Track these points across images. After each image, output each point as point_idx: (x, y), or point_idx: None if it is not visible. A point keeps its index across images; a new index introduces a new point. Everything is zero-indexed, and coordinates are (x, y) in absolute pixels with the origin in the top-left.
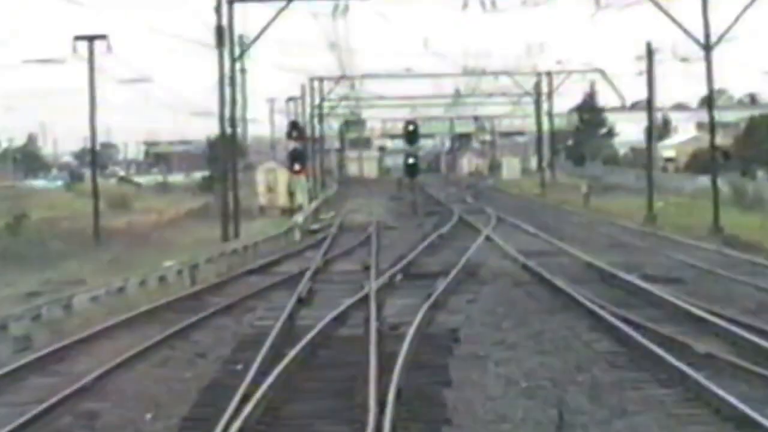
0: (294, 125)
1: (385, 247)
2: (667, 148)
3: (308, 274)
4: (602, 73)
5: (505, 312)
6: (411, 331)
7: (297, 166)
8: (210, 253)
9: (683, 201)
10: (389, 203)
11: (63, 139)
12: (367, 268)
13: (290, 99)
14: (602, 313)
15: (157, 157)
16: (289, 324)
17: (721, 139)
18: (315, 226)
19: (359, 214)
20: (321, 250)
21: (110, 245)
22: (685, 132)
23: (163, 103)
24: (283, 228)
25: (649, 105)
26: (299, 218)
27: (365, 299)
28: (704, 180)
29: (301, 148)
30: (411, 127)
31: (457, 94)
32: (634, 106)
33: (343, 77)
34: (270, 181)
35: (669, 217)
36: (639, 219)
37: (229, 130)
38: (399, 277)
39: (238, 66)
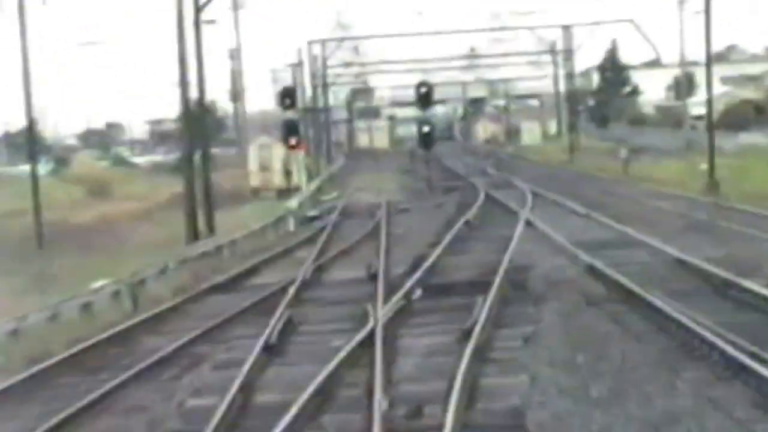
0: (287, 92)
1: (398, 239)
2: (696, 105)
3: (292, 290)
4: (633, 23)
5: (591, 365)
6: (447, 422)
7: (292, 140)
8: (169, 259)
9: (728, 162)
10: (401, 178)
11: (65, 122)
12: (373, 277)
13: (291, 65)
14: None
15: (162, 136)
16: (240, 401)
17: (752, 93)
18: (313, 213)
19: (367, 193)
20: (316, 248)
21: (56, 249)
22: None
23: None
24: (275, 215)
25: (708, 50)
26: (293, 203)
27: (369, 340)
28: (745, 137)
29: (296, 119)
30: (424, 89)
31: (472, 53)
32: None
33: (344, 38)
34: (263, 159)
35: (727, 183)
36: (694, 187)
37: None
38: (418, 292)
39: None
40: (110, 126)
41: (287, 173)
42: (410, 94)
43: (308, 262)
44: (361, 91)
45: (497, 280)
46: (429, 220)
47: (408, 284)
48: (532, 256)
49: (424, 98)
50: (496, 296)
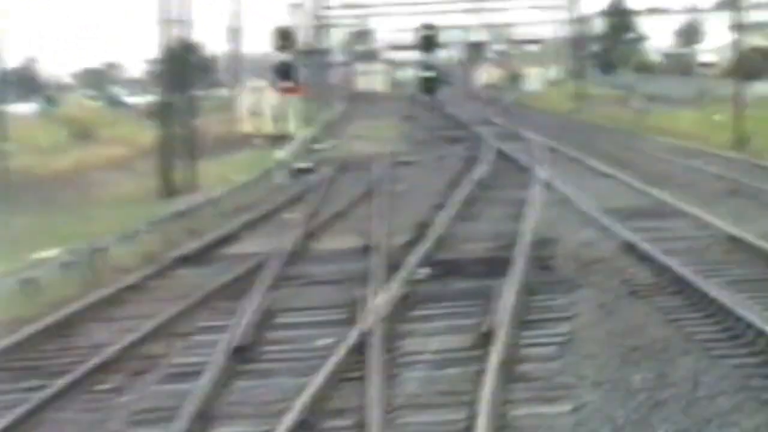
0: (282, 32)
1: (399, 199)
2: (705, 53)
3: (274, 265)
4: None
5: (652, 390)
6: None
7: (286, 84)
8: (140, 219)
9: (747, 112)
10: (402, 125)
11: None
12: (369, 249)
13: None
14: None
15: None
16: None
17: (762, 40)
18: (304, 165)
19: (365, 142)
20: (307, 208)
21: (18, 204)
22: (718, 35)
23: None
24: (264, 167)
25: None
26: (283, 153)
27: (361, 343)
28: (760, 87)
29: (291, 60)
30: (428, 32)
31: None
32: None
33: None
34: (255, 103)
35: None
36: (719, 141)
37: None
38: (424, 271)
39: None
40: (109, 65)
41: (281, 118)
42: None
43: (296, 226)
44: (361, 34)
45: (517, 259)
46: (433, 176)
47: (412, 260)
48: (555, 226)
49: (428, 41)
50: (518, 280)
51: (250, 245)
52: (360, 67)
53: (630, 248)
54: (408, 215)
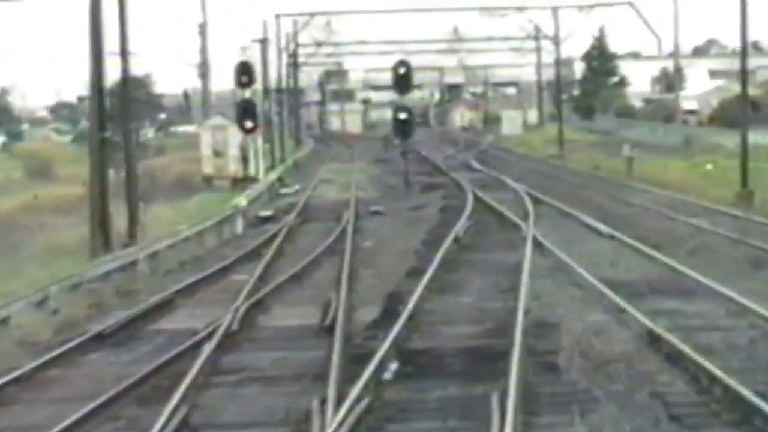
0: (243, 68)
1: (367, 258)
2: (687, 99)
3: (204, 352)
4: (632, 6)
5: None
6: None
7: (248, 123)
8: (67, 278)
9: (734, 163)
10: (374, 168)
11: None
12: (328, 328)
13: (257, 42)
14: None
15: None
16: None
17: (750, 89)
18: (265, 213)
19: (334, 187)
20: (260, 265)
21: None
22: (697, 81)
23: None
24: (222, 212)
25: (743, 33)
26: (242, 200)
27: None
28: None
29: (253, 99)
30: (402, 70)
31: (455, 35)
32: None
33: (315, 13)
34: (218, 143)
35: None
36: (719, 194)
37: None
38: (392, 368)
39: None
40: (81, 99)
41: (244, 160)
42: (386, 78)
43: (243, 292)
44: (335, 73)
45: (511, 352)
46: (407, 230)
47: (378, 347)
48: (554, 304)
49: (402, 80)
50: (514, 388)
51: (183, 318)
52: (334, 106)
53: (654, 341)
54: (377, 281)
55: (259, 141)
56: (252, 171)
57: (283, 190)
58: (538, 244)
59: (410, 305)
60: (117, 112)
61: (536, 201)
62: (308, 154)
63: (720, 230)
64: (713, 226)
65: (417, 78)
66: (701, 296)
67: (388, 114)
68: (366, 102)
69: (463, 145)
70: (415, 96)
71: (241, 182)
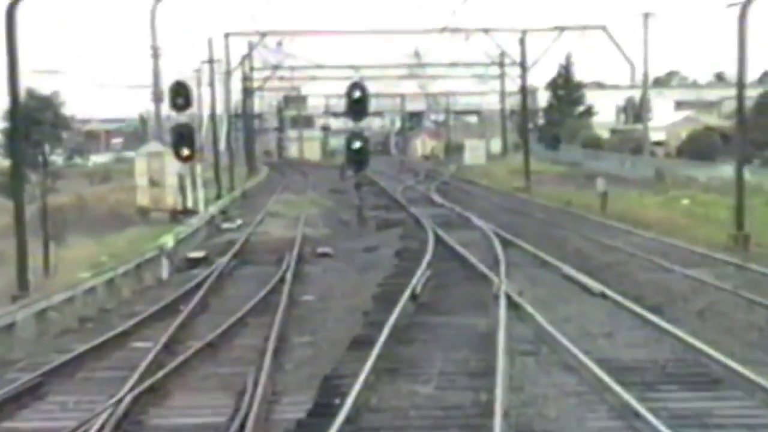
0: (178, 89)
1: (303, 317)
2: (655, 130)
3: None
4: (605, 30)
5: None
6: None
7: (185, 151)
8: None
9: (714, 198)
10: (328, 200)
11: None
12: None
13: (205, 62)
14: None
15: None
16: None
17: (717, 120)
18: (196, 254)
19: (281, 222)
20: (169, 329)
21: None
22: (662, 112)
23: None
24: (148, 253)
25: (741, 62)
26: (169, 240)
27: None
28: (726, 169)
29: (190, 123)
30: (357, 93)
31: (417, 57)
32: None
33: (267, 33)
34: (155, 172)
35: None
36: (704, 234)
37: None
38: None
39: None
40: None
41: (182, 190)
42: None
43: (140, 368)
44: (293, 99)
45: None
46: (356, 280)
47: None
48: (542, 400)
49: (357, 105)
50: None
51: (46, 413)
52: (293, 133)
53: None
54: (312, 355)
55: (199, 169)
56: (191, 203)
57: (225, 225)
58: (513, 304)
59: (350, 397)
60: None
61: (506, 243)
62: (261, 182)
63: (726, 285)
64: (717, 280)
65: (377, 105)
66: (732, 388)
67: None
68: (325, 129)
69: (424, 175)
70: (375, 123)
71: (180, 215)
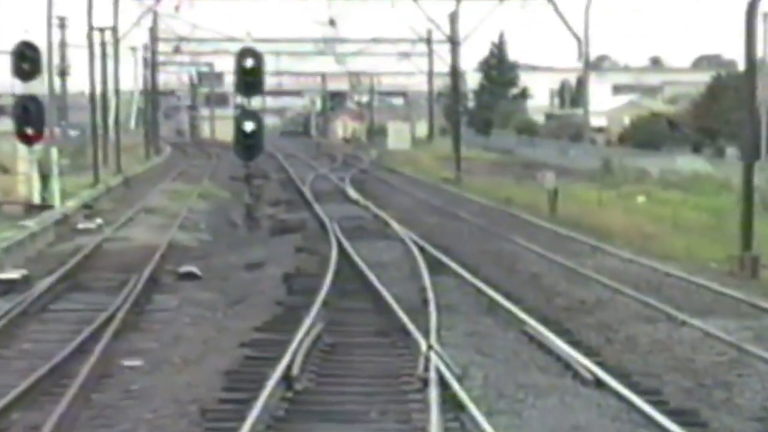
0: (24, 50)
1: (115, 400)
2: (595, 116)
3: None
4: (551, 1)
5: None
6: None
7: (29, 129)
8: None
9: (671, 195)
10: (224, 191)
11: None
12: None
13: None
14: None
15: None
16: None
17: (663, 106)
18: (8, 275)
19: (155, 221)
20: None
21: None
22: (600, 97)
23: None
24: None
25: (749, 45)
26: None
27: None
28: (681, 160)
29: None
30: (250, 62)
31: (332, 26)
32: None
33: None
34: (4, 156)
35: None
36: (685, 248)
37: None
38: None
39: None
40: None
41: (44, 178)
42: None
43: None
44: (207, 76)
45: None
46: (218, 326)
47: None
48: None
49: (250, 77)
50: None
51: None
52: (206, 112)
53: None
54: None
55: (54, 153)
56: (37, 195)
57: (81, 225)
58: (451, 401)
59: None
60: None
61: (435, 265)
62: (155, 166)
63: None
64: (757, 342)
65: (298, 84)
66: None
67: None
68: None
69: (341, 161)
70: (297, 103)
71: (37, 209)
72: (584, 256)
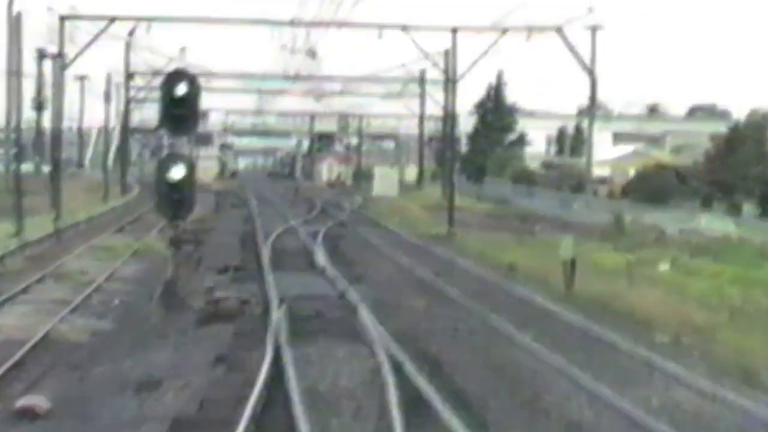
0: None
1: None
2: (598, 165)
3: None
4: (560, 33)
5: None
6: None
7: None
8: None
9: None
10: (166, 247)
11: None
12: None
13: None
14: None
15: None
16: None
17: (670, 157)
18: None
19: (55, 294)
20: None
21: None
22: (601, 145)
23: None
24: None
25: None
26: None
27: None
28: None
29: None
30: (182, 88)
31: (311, 57)
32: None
33: (115, 19)
34: None
35: None
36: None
37: None
38: None
39: None
40: None
41: None
42: (248, 122)
43: None
44: None
45: None
46: None
47: None
48: None
49: (181, 109)
50: None
51: None
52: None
53: None
54: None
55: None
56: None
57: None
58: None
59: None
60: None
61: (416, 404)
62: (108, 211)
63: None
64: None
65: (287, 123)
66: None
67: (259, 162)
68: (226, 147)
69: (319, 209)
70: (288, 144)
71: None
72: (640, 381)
